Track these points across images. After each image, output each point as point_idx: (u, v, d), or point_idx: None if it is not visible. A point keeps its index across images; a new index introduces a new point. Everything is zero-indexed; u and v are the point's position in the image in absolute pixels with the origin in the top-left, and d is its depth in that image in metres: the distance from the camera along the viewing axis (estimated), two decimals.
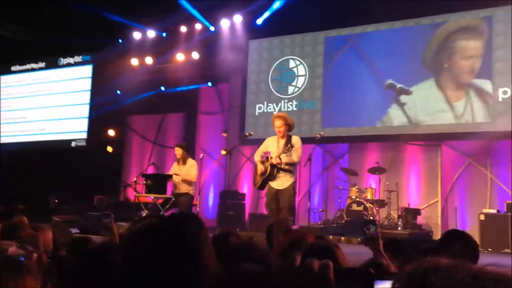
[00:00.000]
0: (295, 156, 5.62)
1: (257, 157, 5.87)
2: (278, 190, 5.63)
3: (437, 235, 7.58)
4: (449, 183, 8.21)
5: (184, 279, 1.52)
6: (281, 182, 5.63)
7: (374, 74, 8.69)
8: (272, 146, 5.75)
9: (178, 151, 7.37)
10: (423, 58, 8.25)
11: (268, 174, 5.63)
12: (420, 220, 7.96)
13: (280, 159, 5.57)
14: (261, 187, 5.80)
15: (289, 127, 5.75)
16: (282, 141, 5.69)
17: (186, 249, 1.67)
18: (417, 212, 7.92)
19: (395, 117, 8.43)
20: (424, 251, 3.52)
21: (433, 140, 8.29)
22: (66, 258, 2.53)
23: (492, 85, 7.65)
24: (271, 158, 5.67)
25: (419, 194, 8.40)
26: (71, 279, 2.18)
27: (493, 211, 7.09)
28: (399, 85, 8.41)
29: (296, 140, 5.69)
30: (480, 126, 7.69)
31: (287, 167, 5.61)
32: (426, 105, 8.14)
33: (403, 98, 8.38)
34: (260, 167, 5.75)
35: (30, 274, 1.05)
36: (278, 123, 5.70)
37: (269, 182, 5.67)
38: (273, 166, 5.61)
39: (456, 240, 2.39)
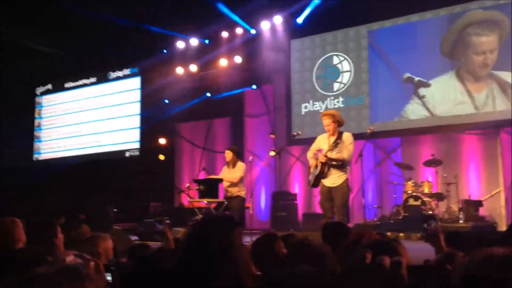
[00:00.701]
0: (345, 152, 5.51)
1: (309, 155, 5.81)
2: (331, 188, 5.53)
3: (502, 227, 7.22)
4: (511, 171, 7.80)
5: (216, 276, 1.50)
6: (334, 179, 5.53)
7: (392, 68, 8.68)
8: (323, 143, 5.67)
9: (228, 154, 7.41)
10: (441, 51, 8.26)
11: (319, 171, 5.55)
12: (482, 211, 7.61)
13: (327, 156, 5.48)
14: (314, 185, 5.72)
15: (339, 123, 5.64)
16: (333, 138, 5.60)
17: (214, 249, 1.65)
18: (479, 203, 7.58)
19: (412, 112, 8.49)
20: (490, 243, 3.34)
21: (490, 128, 7.93)
22: (126, 265, 2.58)
23: None
24: (320, 156, 5.60)
25: (479, 185, 8.03)
26: (130, 284, 2.22)
27: None
28: (417, 78, 8.45)
29: (346, 136, 5.58)
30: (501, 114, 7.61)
31: (336, 163, 5.50)
32: (446, 97, 8.13)
33: (422, 91, 8.37)
34: (312, 165, 5.68)
35: (88, 281, 1.05)
36: (327, 121, 5.62)
37: (322, 180, 5.59)
38: (323, 163, 5.52)
39: None
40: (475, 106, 7.95)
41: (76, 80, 12.64)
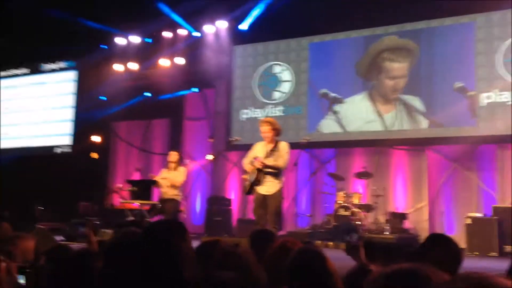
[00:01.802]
0: (281, 161, 5.59)
1: (246, 162, 5.84)
2: (265, 196, 5.59)
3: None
4: (435, 187, 8.25)
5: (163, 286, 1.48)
6: (268, 187, 5.59)
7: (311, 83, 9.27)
8: (260, 151, 5.72)
9: (174, 156, 7.30)
10: (357, 70, 8.84)
11: (255, 178, 5.60)
12: (407, 224, 7.97)
13: (262, 162, 5.54)
14: (249, 192, 5.77)
15: (277, 132, 5.72)
16: (270, 146, 5.66)
17: (166, 258, 1.63)
18: (404, 216, 7.94)
19: (327, 126, 9.00)
20: (408, 255, 3.51)
21: (417, 145, 8.39)
22: (43, 267, 2.46)
23: (420, 101, 8.22)
24: (256, 163, 5.64)
25: (406, 199, 8.42)
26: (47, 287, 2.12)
27: (480, 215, 7.13)
28: (333, 95, 8.96)
29: (283, 145, 5.67)
30: (405, 133, 8.34)
31: (272, 170, 5.57)
32: (358, 115, 8.73)
33: (336, 107, 8.94)
34: (248, 172, 5.72)
35: None
36: (265, 128, 5.67)
37: (256, 188, 5.63)
38: (259, 170, 5.57)
39: (439, 244, 2.38)
40: (384, 125, 8.52)
41: (7, 69, 11.96)
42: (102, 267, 2.35)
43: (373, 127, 8.60)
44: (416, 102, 8.29)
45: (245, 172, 5.86)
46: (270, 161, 5.57)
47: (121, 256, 1.95)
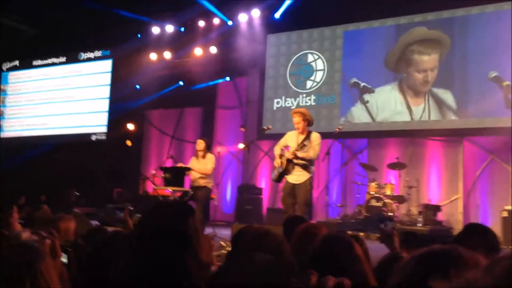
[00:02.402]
0: (312, 152, 5.59)
1: (277, 150, 5.86)
2: (294, 185, 5.60)
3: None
4: (471, 179, 8.06)
5: (173, 259, 1.52)
6: (298, 176, 5.60)
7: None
8: (291, 140, 5.73)
9: (201, 144, 7.37)
10: (385, 64, 8.70)
11: (284, 168, 5.61)
12: (440, 216, 7.83)
13: (294, 154, 5.54)
14: (278, 180, 5.78)
15: (308, 122, 5.71)
16: (302, 137, 5.67)
17: (172, 233, 1.66)
18: (437, 208, 7.79)
19: (357, 116, 8.87)
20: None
21: (453, 135, 8.19)
22: (83, 247, 2.55)
23: (452, 95, 8.04)
24: (287, 153, 5.66)
25: (440, 191, 8.26)
26: (85, 265, 2.21)
27: None
28: (363, 84, 8.85)
29: (315, 136, 5.65)
30: (439, 123, 8.14)
31: (302, 162, 5.56)
32: (386, 105, 8.61)
33: (366, 96, 8.80)
34: (277, 161, 5.73)
35: (41, 258, 1.04)
36: (297, 119, 5.68)
37: (286, 176, 5.65)
38: (288, 161, 5.58)
39: (476, 234, 2.33)
40: (411, 117, 8.37)
41: (45, 59, 12.30)
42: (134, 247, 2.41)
43: (401, 118, 8.46)
44: (447, 96, 8.11)
45: (275, 159, 5.87)
46: (301, 152, 5.57)
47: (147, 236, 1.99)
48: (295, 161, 5.57)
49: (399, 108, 8.48)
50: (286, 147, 5.80)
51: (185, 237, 1.61)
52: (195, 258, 1.59)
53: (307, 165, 5.59)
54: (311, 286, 0.84)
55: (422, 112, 8.28)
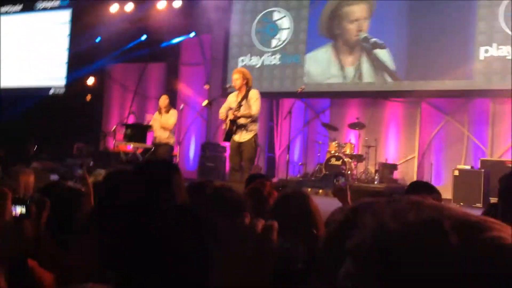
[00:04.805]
0: (253, 108, 5.69)
1: (222, 113, 5.94)
2: (240, 143, 5.74)
3: None
4: (426, 139, 8.36)
5: (154, 223, 1.56)
6: (243, 135, 5.75)
7: None
8: (232, 101, 5.83)
9: (165, 100, 7.31)
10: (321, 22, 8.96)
11: (229, 129, 5.72)
12: (396, 175, 8.14)
13: (235, 114, 5.68)
14: (226, 139, 5.92)
15: (247, 81, 5.79)
16: (241, 95, 5.76)
17: (159, 194, 1.70)
18: (394, 167, 8.08)
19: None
20: None
21: (414, 97, 8.41)
22: (43, 200, 2.53)
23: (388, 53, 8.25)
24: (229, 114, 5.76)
25: (397, 150, 8.55)
26: (49, 219, 2.21)
27: (467, 167, 7.27)
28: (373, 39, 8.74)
29: (252, 93, 5.78)
30: (369, 86, 8.44)
31: (244, 121, 5.69)
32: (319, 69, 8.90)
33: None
34: (225, 125, 5.87)
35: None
36: (236, 75, 5.80)
37: (233, 136, 5.77)
38: (231, 121, 5.68)
39: (420, 191, 2.46)
40: (345, 78, 8.68)
41: (1, 5, 11.64)
42: (95, 205, 2.43)
43: (335, 81, 8.70)
44: (384, 54, 8.31)
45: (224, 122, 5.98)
46: (241, 110, 5.70)
47: (113, 194, 2.02)
48: (238, 121, 5.69)
49: (332, 71, 8.73)
50: (230, 108, 5.89)
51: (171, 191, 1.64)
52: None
53: (249, 123, 5.72)
54: (244, 226, 0.90)
55: (355, 71, 8.53)
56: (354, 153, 8.16)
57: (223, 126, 5.97)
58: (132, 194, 1.88)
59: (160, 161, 2.41)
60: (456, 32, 7.86)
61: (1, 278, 1.09)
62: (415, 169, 8.30)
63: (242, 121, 5.71)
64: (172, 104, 7.93)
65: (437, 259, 0.52)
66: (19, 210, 2.32)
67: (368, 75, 8.47)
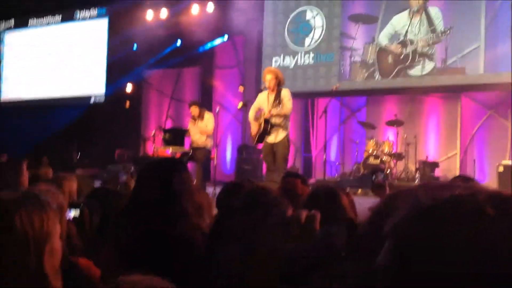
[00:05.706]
0: (284, 108, 5.67)
1: (251, 115, 5.94)
2: (273, 144, 5.73)
3: None
4: (468, 135, 8.12)
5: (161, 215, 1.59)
6: (275, 136, 5.73)
7: None
8: (263, 101, 5.81)
9: (195, 110, 7.39)
10: None
11: (263, 129, 5.71)
12: (438, 172, 7.93)
13: (271, 113, 5.66)
14: (259, 141, 5.91)
15: (279, 81, 5.77)
16: (272, 96, 5.74)
17: (159, 195, 1.74)
18: (435, 164, 7.88)
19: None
20: None
21: (452, 91, 8.18)
22: (94, 203, 2.62)
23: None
24: (263, 114, 5.74)
25: (437, 147, 8.34)
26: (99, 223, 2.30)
27: None
28: None
29: (284, 92, 5.76)
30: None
31: (279, 119, 5.69)
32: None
33: None
34: (253, 128, 5.86)
35: (45, 210, 1.09)
36: (269, 76, 5.75)
37: (265, 137, 5.77)
38: (266, 121, 5.67)
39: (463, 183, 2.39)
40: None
41: (41, 17, 12.07)
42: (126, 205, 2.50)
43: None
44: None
45: (251, 126, 5.96)
46: (276, 110, 5.67)
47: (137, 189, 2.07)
48: (273, 120, 5.65)
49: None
50: (260, 109, 5.87)
51: (172, 191, 1.68)
52: (181, 211, 1.67)
53: (283, 122, 5.70)
54: (288, 218, 0.92)
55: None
56: (393, 151, 8.02)
57: (253, 130, 5.90)
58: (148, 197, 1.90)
59: (160, 161, 2.43)
60: None
61: (58, 280, 1.14)
62: (458, 166, 8.07)
63: (276, 120, 5.70)
64: (208, 108, 8.00)
65: (475, 231, 0.51)
66: (73, 213, 2.41)
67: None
